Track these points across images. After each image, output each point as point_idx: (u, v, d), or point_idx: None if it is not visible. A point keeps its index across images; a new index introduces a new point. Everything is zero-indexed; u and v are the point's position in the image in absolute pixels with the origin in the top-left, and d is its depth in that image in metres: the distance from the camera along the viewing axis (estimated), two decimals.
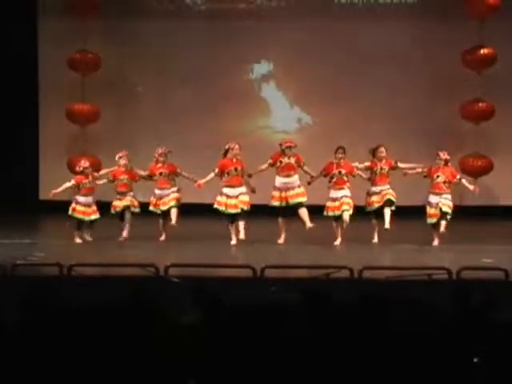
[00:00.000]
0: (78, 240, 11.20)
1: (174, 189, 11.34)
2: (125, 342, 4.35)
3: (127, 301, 4.72)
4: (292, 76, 14.49)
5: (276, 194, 11.24)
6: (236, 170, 11.17)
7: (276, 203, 11.24)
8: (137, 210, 11.36)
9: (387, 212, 11.15)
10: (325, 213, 11.23)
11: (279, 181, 11.23)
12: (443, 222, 11.02)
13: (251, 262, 8.47)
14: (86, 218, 11.25)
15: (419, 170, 11.35)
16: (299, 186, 11.22)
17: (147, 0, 14.57)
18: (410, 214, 11.88)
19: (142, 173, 11.50)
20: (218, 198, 11.15)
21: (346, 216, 11.08)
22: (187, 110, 14.44)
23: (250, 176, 11.31)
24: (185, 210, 11.41)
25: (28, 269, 8.82)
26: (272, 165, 11.30)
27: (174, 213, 11.18)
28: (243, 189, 11.21)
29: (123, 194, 11.42)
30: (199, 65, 14.35)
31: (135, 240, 11.22)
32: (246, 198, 11.14)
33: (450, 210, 11.04)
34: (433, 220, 11.12)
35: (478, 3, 13.53)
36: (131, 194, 11.44)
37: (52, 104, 14.30)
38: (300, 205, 11.20)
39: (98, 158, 14.11)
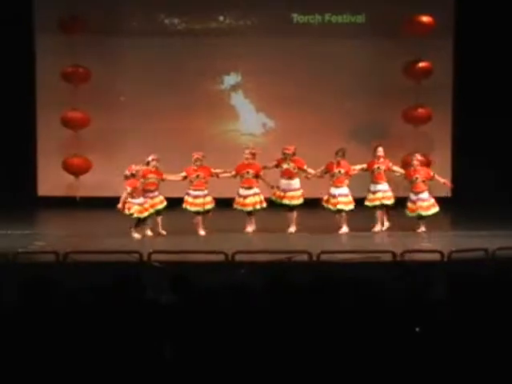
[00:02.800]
0: (150, 232, 10.80)
1: (206, 192, 11.09)
2: (110, 318, 4.34)
3: (113, 283, 4.71)
4: (258, 86, 14.48)
5: (276, 192, 11.19)
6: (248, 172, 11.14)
7: (276, 200, 11.20)
8: (164, 205, 11.04)
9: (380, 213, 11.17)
10: (325, 206, 11.13)
11: (281, 182, 11.21)
12: (422, 223, 11.15)
13: (224, 248, 8.48)
14: (141, 215, 10.73)
15: (399, 173, 11.41)
16: (298, 190, 11.19)
17: (130, 21, 14.43)
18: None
19: (173, 177, 11.19)
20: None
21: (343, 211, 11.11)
22: (166, 116, 14.38)
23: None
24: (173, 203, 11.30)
25: (28, 256, 8.75)
26: (276, 166, 11.28)
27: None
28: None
29: (151, 192, 10.99)
30: (177, 76, 14.29)
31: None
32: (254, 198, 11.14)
33: (430, 212, 11.17)
34: (410, 214, 11.19)
35: (416, 23, 13.63)
36: (157, 192, 11.03)
37: (48, 111, 14.15)
38: (294, 207, 11.16)
39: (88, 159, 14.04)
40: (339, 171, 11.13)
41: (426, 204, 11.20)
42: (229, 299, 4.45)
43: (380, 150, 11.31)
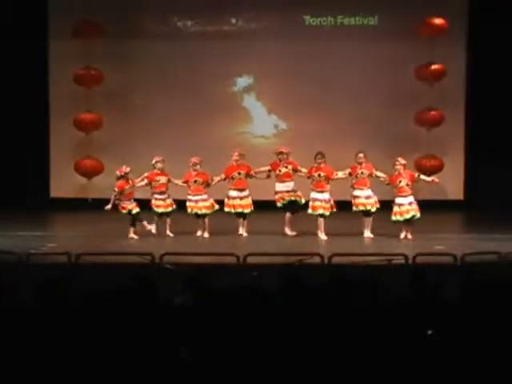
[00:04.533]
0: (133, 235, 10.84)
1: (205, 196, 11.18)
2: (124, 319, 4.35)
3: (127, 284, 4.72)
4: (270, 88, 14.48)
5: (281, 195, 11.14)
6: (239, 173, 11.18)
7: (286, 200, 11.14)
8: (174, 207, 11.16)
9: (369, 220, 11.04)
10: (310, 212, 10.96)
11: (279, 186, 11.17)
12: (409, 228, 10.92)
13: (235, 250, 8.47)
14: (134, 211, 10.87)
15: (382, 178, 11.14)
16: (295, 191, 11.14)
17: (143, 24, 14.50)
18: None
19: (177, 182, 11.25)
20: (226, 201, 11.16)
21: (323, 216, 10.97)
22: (179, 118, 14.41)
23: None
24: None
25: (40, 257, 8.77)
26: (269, 171, 11.24)
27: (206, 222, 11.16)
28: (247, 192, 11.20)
29: (162, 194, 11.12)
30: (189, 78, 14.33)
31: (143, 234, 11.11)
32: (248, 200, 11.15)
33: (418, 214, 10.92)
34: (397, 217, 10.93)
35: (429, 25, 13.60)
36: (166, 195, 11.14)
37: (61, 114, 14.23)
38: (294, 206, 11.12)
39: (100, 161, 14.08)
40: (318, 175, 10.98)
41: (415, 206, 10.95)
42: (242, 301, 4.45)
43: (361, 156, 11.10)
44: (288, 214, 11.20)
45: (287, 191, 11.14)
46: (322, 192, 10.97)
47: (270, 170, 11.26)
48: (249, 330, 4.23)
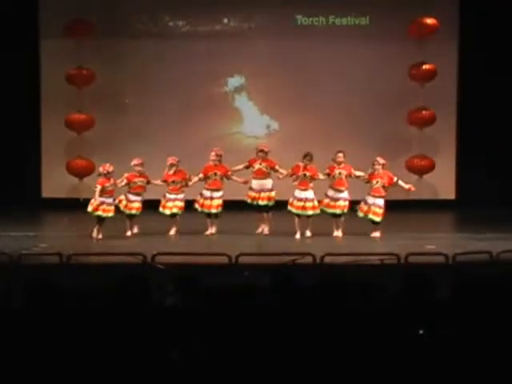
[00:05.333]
0: (97, 235, 10.74)
1: (181, 196, 11.18)
2: (115, 319, 4.34)
3: (118, 285, 4.71)
4: (262, 88, 14.49)
5: (251, 193, 11.18)
6: (215, 174, 11.15)
7: (249, 201, 11.19)
8: (138, 212, 11.12)
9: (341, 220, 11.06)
10: (289, 208, 10.98)
11: (252, 183, 11.19)
12: (376, 229, 10.96)
13: (227, 250, 8.47)
14: (104, 215, 10.82)
15: (361, 177, 11.10)
16: (271, 190, 11.17)
17: (134, 23, 14.48)
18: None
19: (157, 182, 11.25)
20: (199, 200, 11.15)
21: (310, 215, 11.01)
22: (170, 118, 14.41)
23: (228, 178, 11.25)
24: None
25: (32, 258, 8.75)
26: (247, 167, 11.26)
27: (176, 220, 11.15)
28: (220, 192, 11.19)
29: (137, 195, 11.11)
30: (181, 78, 14.32)
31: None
32: (219, 201, 11.13)
33: (379, 219, 10.92)
34: (361, 214, 11.00)
35: (421, 25, 13.64)
36: (141, 197, 11.12)
37: (52, 114, 14.21)
38: (267, 208, 11.15)
39: (92, 161, 14.05)
40: (304, 174, 10.96)
41: (378, 210, 10.95)
42: (233, 301, 4.45)
43: (340, 156, 11.09)
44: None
45: (261, 190, 11.12)
46: (305, 190, 10.97)
47: (247, 167, 11.25)
48: (241, 331, 4.23)
